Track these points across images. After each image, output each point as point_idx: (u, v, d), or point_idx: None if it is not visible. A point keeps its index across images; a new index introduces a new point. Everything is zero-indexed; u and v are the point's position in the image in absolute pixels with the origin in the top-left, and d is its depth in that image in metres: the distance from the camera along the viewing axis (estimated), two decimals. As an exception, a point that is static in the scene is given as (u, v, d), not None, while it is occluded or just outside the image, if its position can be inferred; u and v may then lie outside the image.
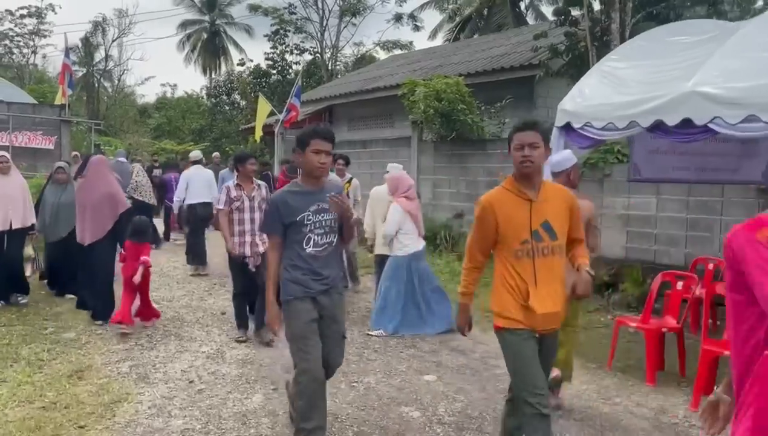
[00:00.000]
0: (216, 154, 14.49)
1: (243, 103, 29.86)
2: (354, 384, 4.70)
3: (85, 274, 6.34)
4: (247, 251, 5.67)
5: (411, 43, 30.24)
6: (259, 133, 15.12)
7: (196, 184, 9.17)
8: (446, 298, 6.29)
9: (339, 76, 26.87)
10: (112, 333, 5.79)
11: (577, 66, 11.08)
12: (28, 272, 7.03)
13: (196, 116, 31.07)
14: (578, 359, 5.26)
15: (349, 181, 7.70)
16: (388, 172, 7.66)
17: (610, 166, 8.51)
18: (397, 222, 6.16)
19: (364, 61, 31.00)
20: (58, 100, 13.24)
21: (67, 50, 12.32)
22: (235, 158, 5.91)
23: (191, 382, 4.63)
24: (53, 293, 7.25)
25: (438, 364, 5.24)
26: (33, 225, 6.79)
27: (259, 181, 5.97)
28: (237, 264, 5.78)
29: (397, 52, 28.50)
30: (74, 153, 13.07)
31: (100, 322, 6.07)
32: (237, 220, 5.68)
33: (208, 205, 8.95)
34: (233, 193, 5.69)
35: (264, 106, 14.55)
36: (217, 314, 6.77)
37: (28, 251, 7.05)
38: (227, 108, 30.87)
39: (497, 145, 10.65)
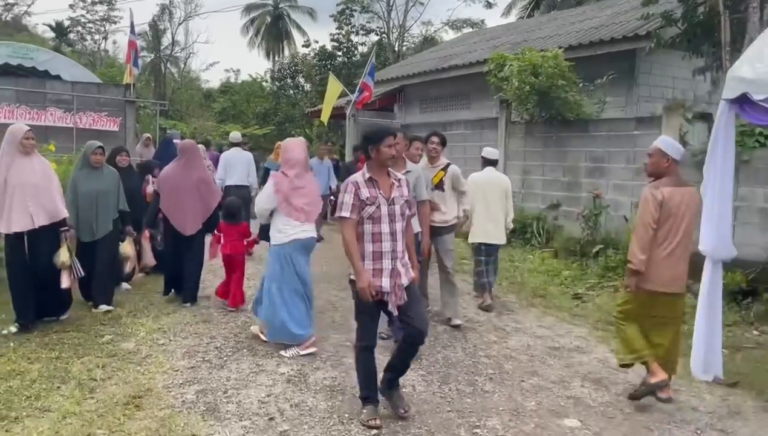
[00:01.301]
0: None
1: (307, 86, 29.10)
2: (476, 430, 3.66)
3: (172, 259, 6.27)
4: (386, 284, 3.63)
5: (482, 21, 28.76)
6: (327, 115, 14.19)
7: (234, 166, 9.06)
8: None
9: (404, 58, 25.72)
10: (176, 345, 4.95)
11: (695, 36, 9.59)
12: (65, 283, 5.30)
13: (260, 100, 30.56)
14: (747, 395, 4.30)
15: (444, 169, 5.84)
16: (483, 156, 6.76)
17: (749, 151, 7.14)
18: (264, 200, 5.02)
19: (429, 42, 29.73)
20: (126, 79, 12.67)
21: (133, 26, 11.73)
22: (365, 138, 3.76)
23: (271, 419, 3.70)
24: (90, 305, 5.85)
25: (575, 401, 4.14)
26: (64, 220, 5.29)
27: (400, 175, 3.90)
28: (368, 305, 3.67)
29: (467, 31, 27.09)
30: (146, 135, 12.50)
31: (188, 304, 6.15)
32: (369, 235, 3.65)
33: (242, 188, 8.93)
34: (364, 193, 3.62)
35: (334, 87, 13.60)
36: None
37: (63, 255, 5.24)
38: (291, 91, 30.20)
39: (601, 126, 9.35)
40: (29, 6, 36.13)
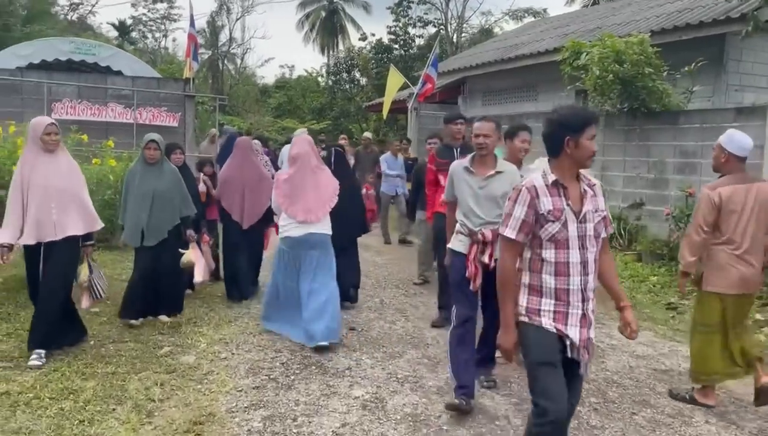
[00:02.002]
0: (367, 134, 11.93)
1: (363, 80, 28.72)
2: (592, 479, 3.08)
3: (234, 257, 6.18)
4: (574, 335, 2.58)
5: (545, 10, 27.69)
6: (387, 108, 13.70)
7: None
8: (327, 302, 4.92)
9: (462, 50, 24.95)
10: (239, 359, 4.54)
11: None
12: (85, 303, 4.69)
13: (315, 95, 30.38)
14: None
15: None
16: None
17: None
18: (273, 197, 5.23)
19: (486, 34, 28.86)
20: (186, 74, 12.48)
21: (192, 19, 11.49)
22: (559, 123, 2.59)
23: (349, 457, 3.22)
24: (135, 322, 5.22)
25: (704, 442, 3.51)
26: (89, 235, 4.57)
27: (593, 179, 2.83)
28: (546, 363, 2.57)
29: (528, 20, 26.10)
30: (213, 131, 12.31)
31: (247, 299, 6.13)
32: (551, 264, 2.58)
33: None
34: (546, 204, 2.56)
35: (395, 79, 13.09)
36: (359, 327, 5.42)
37: (83, 273, 4.60)
38: (347, 86, 29.88)
39: (693, 118, 8.51)
40: (93, 6, 36.88)
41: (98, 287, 4.67)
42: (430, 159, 5.62)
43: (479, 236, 3.77)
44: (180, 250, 5.43)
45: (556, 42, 13.51)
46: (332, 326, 4.80)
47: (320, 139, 12.09)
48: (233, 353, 4.65)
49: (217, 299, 6.24)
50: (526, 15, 27.93)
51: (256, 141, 11.81)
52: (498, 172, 3.85)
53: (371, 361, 4.61)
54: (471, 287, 3.80)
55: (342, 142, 11.00)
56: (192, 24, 11.50)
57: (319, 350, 4.72)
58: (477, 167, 3.90)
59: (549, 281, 2.57)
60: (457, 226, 3.94)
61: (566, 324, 2.57)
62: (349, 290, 5.93)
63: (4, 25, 18.13)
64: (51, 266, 4.30)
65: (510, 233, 2.58)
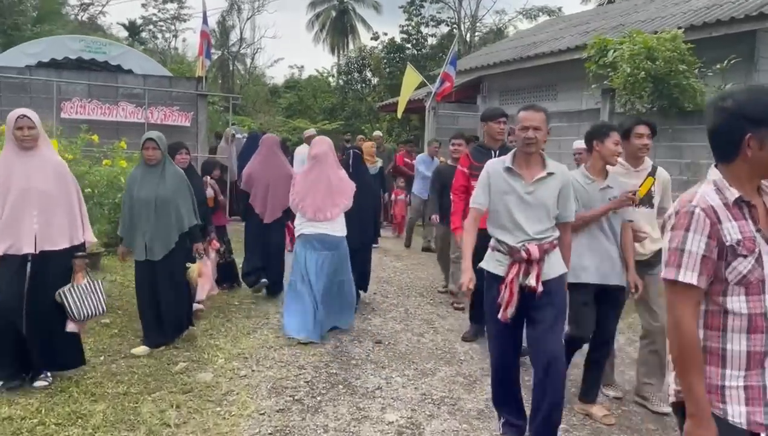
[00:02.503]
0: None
1: (375, 80, 28.36)
2: None
3: (260, 253, 6.23)
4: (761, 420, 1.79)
5: (560, 9, 27.25)
6: (402, 108, 13.30)
7: None
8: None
9: (476, 49, 24.57)
10: (260, 377, 4.20)
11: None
12: (69, 326, 3.89)
13: (326, 95, 30.06)
14: None
15: (652, 174, 4.03)
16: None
17: None
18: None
19: (497, 35, 28.48)
20: (198, 72, 12.16)
21: (205, 15, 11.14)
22: (741, 112, 1.79)
23: (389, 496, 2.87)
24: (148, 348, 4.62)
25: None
26: (80, 245, 3.94)
27: None
28: None
29: (543, 19, 25.69)
30: (229, 130, 12.01)
31: (273, 295, 6.26)
32: (740, 318, 1.81)
33: None
34: (733, 232, 1.79)
35: (412, 77, 12.70)
36: (386, 341, 5.07)
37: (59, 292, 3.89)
38: (359, 86, 29.55)
39: (730, 118, 8.11)
40: (104, 6, 36.78)
41: (79, 307, 3.85)
42: (463, 161, 5.07)
43: (523, 254, 3.08)
44: (187, 263, 4.91)
45: (576, 40, 13.13)
46: (346, 319, 5.32)
47: (345, 140, 11.72)
48: (253, 370, 4.32)
49: (233, 308, 5.92)
50: (541, 14, 27.51)
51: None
52: (549, 174, 3.18)
53: (402, 379, 4.26)
54: (500, 317, 3.09)
55: (360, 143, 10.71)
56: (205, 21, 11.17)
57: (345, 367, 4.39)
58: (522, 168, 3.21)
59: (738, 343, 1.79)
60: (492, 242, 3.29)
61: (763, 406, 1.78)
62: (363, 283, 6.10)
63: (14, 25, 17.91)
64: (39, 286, 3.75)
65: (689, 276, 1.78)
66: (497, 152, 4.72)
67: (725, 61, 8.78)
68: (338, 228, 5.07)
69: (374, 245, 7.19)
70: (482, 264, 3.31)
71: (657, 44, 8.22)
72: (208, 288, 5.31)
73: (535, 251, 3.08)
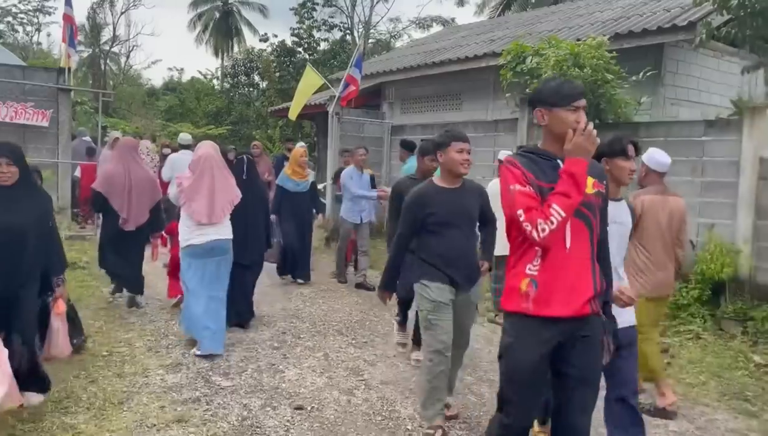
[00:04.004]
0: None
1: (264, 84, 26.87)
2: None
3: (113, 255, 5.98)
4: None
5: (453, 19, 27.23)
6: (296, 111, 12.03)
7: (183, 170, 6.80)
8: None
9: (370, 57, 23.92)
10: None
11: (753, 27, 8.11)
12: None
13: (211, 98, 28.15)
14: None
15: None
16: (500, 160, 5.44)
17: None
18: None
19: (382, 47, 28.08)
20: (63, 63, 10.29)
21: (68, -5, 9.41)
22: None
23: None
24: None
25: None
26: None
27: None
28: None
29: (436, 29, 25.52)
30: (115, 135, 10.27)
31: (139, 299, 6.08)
32: None
33: None
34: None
35: (311, 79, 11.55)
36: (308, 404, 3.94)
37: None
38: (246, 90, 27.91)
39: (657, 130, 7.76)
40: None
41: None
42: (513, 174, 2.71)
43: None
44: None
45: (483, 48, 12.65)
46: (219, 337, 4.87)
47: (234, 150, 9.82)
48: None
49: (99, 360, 4.54)
50: (434, 23, 27.37)
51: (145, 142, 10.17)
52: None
53: None
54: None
55: (256, 150, 9.44)
56: (68, 2, 9.42)
57: None
58: None
59: None
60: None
61: None
62: (247, 312, 5.68)
63: None
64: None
65: None
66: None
67: (641, 73, 8.49)
68: (227, 231, 4.96)
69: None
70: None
71: (583, 51, 7.71)
72: (60, 346, 3.86)
73: None
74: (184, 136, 8.86)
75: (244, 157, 5.83)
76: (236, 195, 5.03)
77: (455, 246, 3.52)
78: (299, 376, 4.46)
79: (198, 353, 4.74)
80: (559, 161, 2.43)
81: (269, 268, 7.12)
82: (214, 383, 4.24)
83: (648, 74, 8.66)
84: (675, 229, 4.18)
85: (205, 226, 4.77)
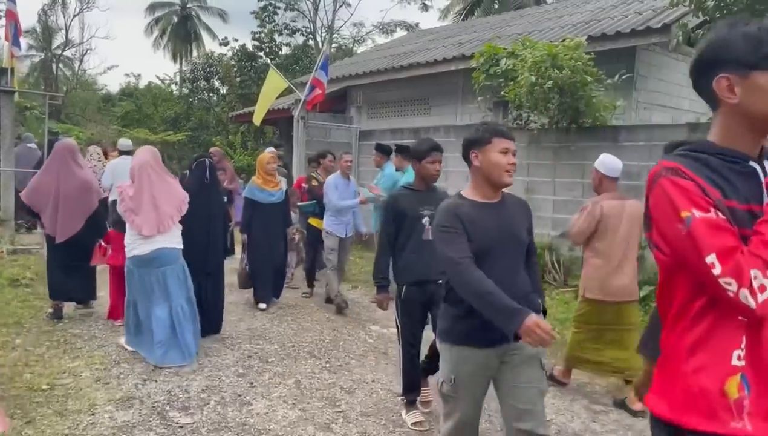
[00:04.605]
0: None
1: (224, 89, 26.13)
2: None
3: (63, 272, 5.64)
4: None
5: (417, 24, 27.01)
6: (261, 115, 11.50)
7: (123, 176, 6.55)
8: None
9: (333, 61, 23.46)
10: None
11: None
12: None
13: (169, 103, 27.26)
14: None
15: None
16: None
17: None
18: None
19: (357, 46, 27.74)
20: (6, 64, 9.55)
21: (12, -10, 8.71)
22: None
23: None
24: None
25: None
26: None
27: None
28: None
29: (400, 34, 25.23)
30: (92, 148, 9.59)
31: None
32: None
33: None
34: None
35: (275, 81, 11.06)
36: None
37: None
38: (206, 95, 27.11)
39: (639, 135, 7.55)
40: None
41: None
42: (682, 192, 1.69)
43: None
44: None
45: (452, 51, 12.36)
46: (189, 349, 4.71)
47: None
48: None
49: (38, 395, 3.97)
50: (398, 28, 27.08)
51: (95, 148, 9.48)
52: None
53: None
54: None
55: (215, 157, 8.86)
56: (11, -3, 8.72)
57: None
58: None
59: None
60: None
61: None
62: (216, 321, 5.43)
63: None
64: None
65: None
66: None
67: (616, 76, 8.27)
68: (176, 240, 4.75)
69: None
70: None
71: (560, 51, 7.43)
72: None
73: None
74: (124, 142, 8.41)
75: (206, 159, 5.48)
76: (182, 200, 4.78)
77: (504, 282, 2.39)
78: (269, 408, 3.97)
79: (128, 347, 4.84)
80: (754, 164, 1.47)
81: (230, 282, 6.61)
82: (171, 420, 3.72)
83: (623, 77, 8.46)
84: (636, 234, 4.18)
85: (153, 235, 4.62)
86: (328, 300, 6.85)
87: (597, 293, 4.18)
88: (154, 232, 4.59)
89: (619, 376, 4.34)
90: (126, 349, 4.91)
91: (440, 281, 2.89)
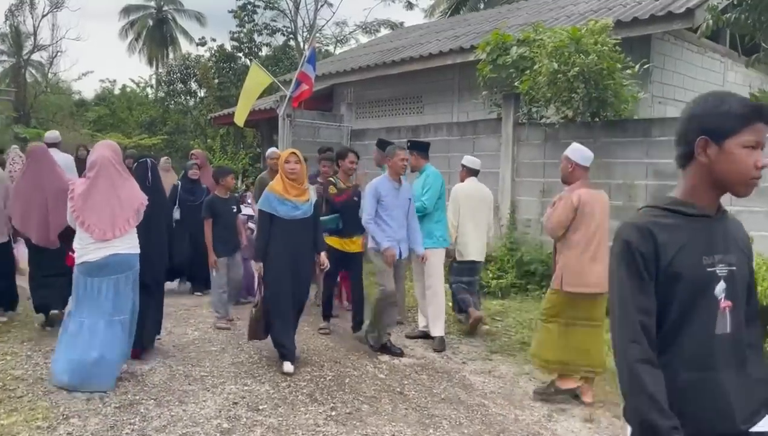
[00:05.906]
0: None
1: (202, 91, 25.03)
2: None
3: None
4: None
5: (401, 23, 26.12)
6: (244, 115, 10.49)
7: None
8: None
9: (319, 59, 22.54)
10: None
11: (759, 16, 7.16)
12: None
13: (144, 107, 26.07)
14: None
15: None
16: (467, 165, 5.88)
17: None
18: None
19: (341, 45, 26.81)
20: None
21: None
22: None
23: None
24: None
25: None
26: None
27: None
28: None
29: (384, 33, 24.35)
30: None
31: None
32: None
33: None
34: None
35: (258, 77, 10.04)
36: None
37: None
38: (183, 98, 25.97)
39: (671, 129, 6.67)
40: None
41: None
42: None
43: None
44: None
45: (448, 44, 11.50)
46: (109, 372, 4.16)
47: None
48: None
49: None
50: (382, 27, 26.20)
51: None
52: None
53: None
54: None
55: (196, 160, 7.85)
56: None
57: None
58: None
59: None
60: None
61: None
62: (151, 339, 4.95)
63: None
64: None
65: None
66: None
67: (637, 66, 7.44)
68: (133, 244, 4.31)
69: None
70: None
71: (585, 35, 6.57)
72: None
73: None
74: (50, 135, 7.97)
75: (147, 160, 4.99)
76: (141, 202, 4.37)
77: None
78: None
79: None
80: None
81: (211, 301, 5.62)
82: None
83: (645, 67, 7.65)
84: (607, 222, 4.16)
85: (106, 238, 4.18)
86: (384, 348, 5.19)
87: (576, 286, 4.04)
88: (108, 235, 4.13)
89: (581, 374, 4.20)
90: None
91: None
